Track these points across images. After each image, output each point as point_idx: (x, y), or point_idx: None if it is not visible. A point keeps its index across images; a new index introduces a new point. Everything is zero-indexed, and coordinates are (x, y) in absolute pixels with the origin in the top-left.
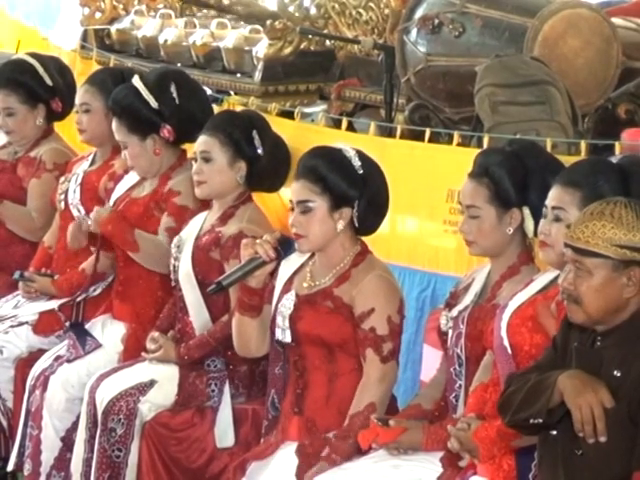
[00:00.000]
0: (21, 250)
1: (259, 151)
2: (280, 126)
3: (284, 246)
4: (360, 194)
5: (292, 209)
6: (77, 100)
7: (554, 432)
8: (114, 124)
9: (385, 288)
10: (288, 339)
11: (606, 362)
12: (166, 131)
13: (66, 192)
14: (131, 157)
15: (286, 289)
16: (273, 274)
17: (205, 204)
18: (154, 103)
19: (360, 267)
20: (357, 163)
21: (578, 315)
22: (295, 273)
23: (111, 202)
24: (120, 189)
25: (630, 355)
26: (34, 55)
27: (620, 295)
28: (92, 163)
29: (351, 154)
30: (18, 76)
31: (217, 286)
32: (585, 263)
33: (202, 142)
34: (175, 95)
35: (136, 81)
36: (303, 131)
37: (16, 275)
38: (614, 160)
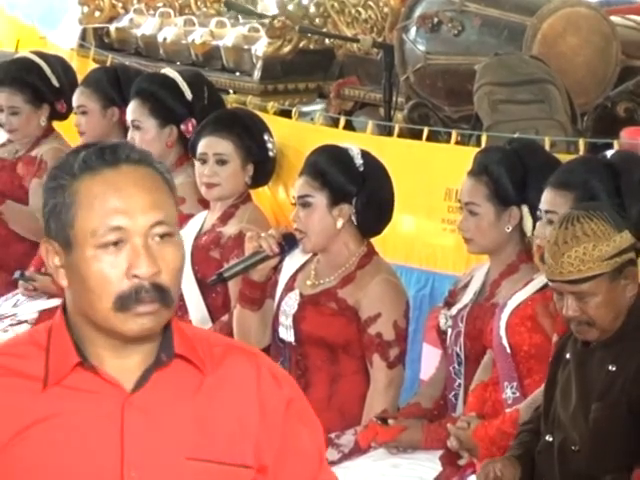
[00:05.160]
0: (21, 249)
1: (270, 154)
2: (277, 125)
3: (289, 242)
4: (358, 190)
5: (294, 204)
6: (74, 102)
7: (550, 438)
8: (133, 104)
9: (391, 292)
10: (291, 338)
11: (600, 358)
12: (190, 125)
13: None
14: (142, 140)
15: (290, 287)
16: (276, 269)
17: (205, 205)
18: (189, 95)
19: (366, 269)
20: (359, 161)
21: (592, 334)
22: (299, 270)
23: None
24: None
25: (625, 351)
26: (40, 54)
27: (624, 297)
28: None
29: (354, 152)
30: (24, 75)
31: (218, 277)
32: (584, 289)
33: (214, 144)
34: (206, 96)
35: (170, 71)
36: (300, 130)
37: (16, 275)
38: (605, 157)
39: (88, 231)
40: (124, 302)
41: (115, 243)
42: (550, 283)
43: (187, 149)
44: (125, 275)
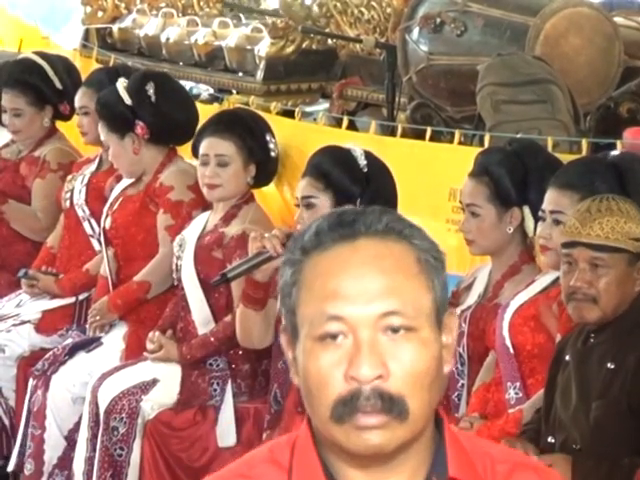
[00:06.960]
0: (23, 249)
1: (272, 154)
2: (280, 125)
3: None
4: (362, 192)
5: (298, 205)
6: (76, 103)
7: (551, 439)
8: (99, 125)
9: None
10: None
11: (599, 356)
12: (139, 127)
13: (72, 191)
14: (112, 157)
15: None
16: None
17: (200, 198)
18: (128, 100)
19: None
20: (362, 162)
21: (592, 314)
22: None
23: (108, 204)
24: (116, 191)
25: (623, 348)
26: (43, 56)
27: (633, 289)
28: (99, 165)
29: (358, 153)
30: (27, 77)
31: (222, 278)
32: (605, 259)
33: (215, 145)
34: (151, 93)
35: (119, 81)
36: (303, 130)
37: (21, 273)
38: (608, 158)
39: (307, 319)
40: (340, 411)
41: (334, 336)
42: (567, 250)
43: (166, 150)
44: (344, 377)
